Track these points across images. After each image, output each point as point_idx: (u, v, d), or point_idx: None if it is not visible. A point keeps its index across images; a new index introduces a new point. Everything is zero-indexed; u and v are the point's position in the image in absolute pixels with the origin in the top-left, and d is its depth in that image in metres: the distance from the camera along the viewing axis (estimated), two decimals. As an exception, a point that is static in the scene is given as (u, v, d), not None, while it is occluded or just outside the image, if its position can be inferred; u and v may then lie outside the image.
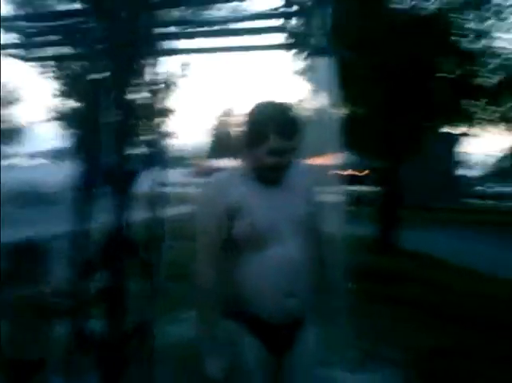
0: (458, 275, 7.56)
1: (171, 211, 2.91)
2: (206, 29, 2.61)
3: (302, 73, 10.18)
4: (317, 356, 1.87)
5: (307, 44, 2.34)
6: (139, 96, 2.49)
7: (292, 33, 2.44)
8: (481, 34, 9.75)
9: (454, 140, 23.15)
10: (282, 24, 2.46)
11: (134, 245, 2.51)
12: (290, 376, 1.82)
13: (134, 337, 2.54)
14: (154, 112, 2.68)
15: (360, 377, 3.62)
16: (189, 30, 2.64)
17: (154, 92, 2.60)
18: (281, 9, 2.35)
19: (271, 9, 2.39)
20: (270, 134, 1.62)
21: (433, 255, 9.06)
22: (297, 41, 2.40)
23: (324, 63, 2.18)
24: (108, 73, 2.36)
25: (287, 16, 2.42)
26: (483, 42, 9.94)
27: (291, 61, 10.64)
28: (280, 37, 2.65)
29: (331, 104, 2.78)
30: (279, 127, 1.62)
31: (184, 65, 11.89)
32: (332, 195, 2.51)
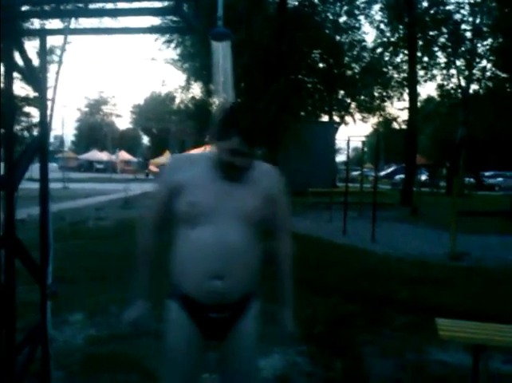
0: (339, 251, 8.15)
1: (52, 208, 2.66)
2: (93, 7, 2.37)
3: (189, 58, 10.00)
4: (256, 344, 1.85)
5: (202, 27, 2.27)
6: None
7: (185, 17, 2.32)
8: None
9: (329, 128, 24.79)
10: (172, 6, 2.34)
11: (21, 245, 2.26)
12: (228, 362, 1.83)
13: (26, 344, 2.31)
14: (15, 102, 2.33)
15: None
16: (61, 8, 2.38)
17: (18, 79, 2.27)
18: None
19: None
20: (233, 136, 1.67)
21: (311, 235, 9.67)
22: (190, 24, 2.30)
23: (221, 47, 2.14)
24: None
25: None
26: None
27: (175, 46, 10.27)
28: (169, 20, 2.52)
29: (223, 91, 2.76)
30: (243, 132, 1.68)
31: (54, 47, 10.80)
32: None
